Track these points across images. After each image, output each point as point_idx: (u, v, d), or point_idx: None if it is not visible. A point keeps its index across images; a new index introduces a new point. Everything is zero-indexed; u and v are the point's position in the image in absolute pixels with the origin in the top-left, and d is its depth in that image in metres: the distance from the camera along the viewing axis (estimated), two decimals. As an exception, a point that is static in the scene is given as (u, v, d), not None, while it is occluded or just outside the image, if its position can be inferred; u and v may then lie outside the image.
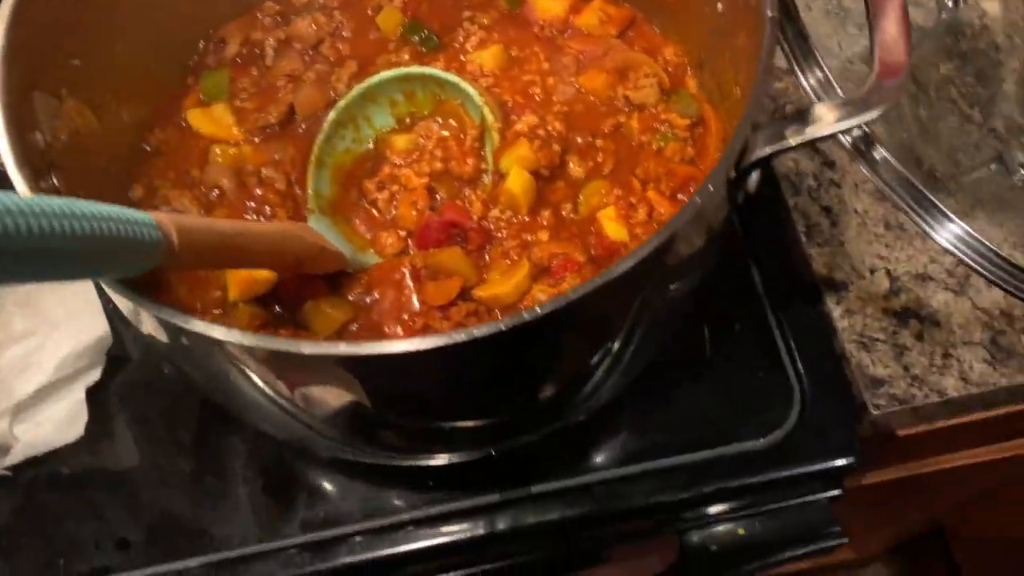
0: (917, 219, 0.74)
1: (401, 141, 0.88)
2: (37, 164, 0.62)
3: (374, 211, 0.86)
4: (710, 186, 0.56)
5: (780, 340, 0.90)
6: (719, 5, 0.75)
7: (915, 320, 0.89)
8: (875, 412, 0.85)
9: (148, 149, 0.84)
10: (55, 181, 0.65)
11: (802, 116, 0.59)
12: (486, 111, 0.85)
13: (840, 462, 0.84)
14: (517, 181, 0.81)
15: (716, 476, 0.85)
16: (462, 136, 0.88)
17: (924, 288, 0.90)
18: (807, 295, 0.92)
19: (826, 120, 0.58)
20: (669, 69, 0.88)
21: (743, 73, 0.74)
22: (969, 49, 1.02)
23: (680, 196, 0.81)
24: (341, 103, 0.86)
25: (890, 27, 0.62)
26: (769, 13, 0.60)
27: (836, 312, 0.90)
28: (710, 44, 0.81)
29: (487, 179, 0.85)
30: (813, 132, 0.58)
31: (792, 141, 0.59)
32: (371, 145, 0.89)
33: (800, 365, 0.89)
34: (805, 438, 0.85)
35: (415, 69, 0.86)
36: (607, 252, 0.79)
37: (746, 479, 0.85)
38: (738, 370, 0.89)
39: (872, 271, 0.92)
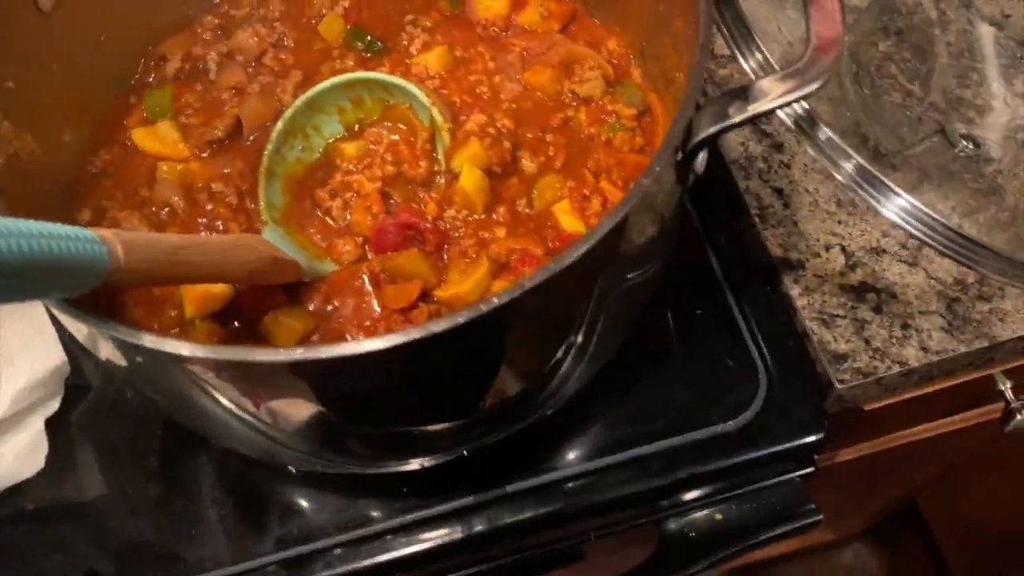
0: (865, 195, 0.75)
1: (351, 148, 0.88)
2: (-27, 189, 0.61)
3: (328, 219, 0.85)
4: (656, 167, 0.56)
5: (742, 323, 0.91)
6: (658, -8, 0.76)
7: (872, 294, 0.90)
8: (840, 387, 0.86)
9: (93, 171, 0.83)
10: (-5, 205, 0.64)
11: (743, 93, 0.60)
12: (434, 112, 0.84)
13: (809, 439, 0.85)
14: (470, 179, 0.81)
15: (688, 462, 0.85)
16: (412, 139, 0.87)
17: (879, 262, 0.92)
18: (765, 276, 0.93)
19: (767, 95, 0.59)
20: (613, 60, 0.89)
21: (684, 58, 0.75)
22: (905, 25, 1.04)
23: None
24: (287, 113, 0.85)
25: (824, 2, 0.63)
26: (704, -4, 0.60)
27: (795, 291, 0.91)
28: (651, 32, 0.82)
29: (441, 180, 0.85)
30: (755, 108, 0.59)
31: (736, 118, 0.59)
32: (318, 154, 0.89)
33: (763, 346, 0.89)
34: (773, 418, 0.86)
35: (360, 74, 0.86)
36: (565, 245, 0.79)
37: (718, 462, 0.85)
38: (702, 355, 0.90)
39: (827, 248, 0.93)
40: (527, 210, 0.82)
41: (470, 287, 0.78)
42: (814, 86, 0.58)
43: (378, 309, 0.79)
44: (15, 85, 0.70)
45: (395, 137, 0.88)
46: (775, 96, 0.59)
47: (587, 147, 0.85)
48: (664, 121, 0.83)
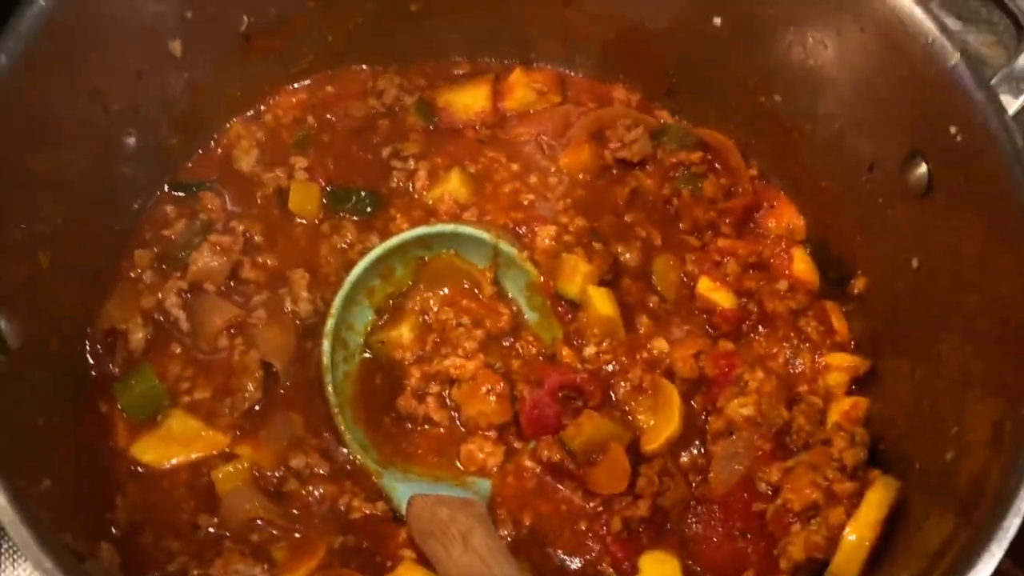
0: None
1: (406, 332, 0.68)
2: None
3: (428, 428, 0.65)
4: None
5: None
6: (716, 20, 0.66)
7: None
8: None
9: (119, 533, 0.55)
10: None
11: None
12: (503, 245, 0.68)
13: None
14: (603, 301, 0.66)
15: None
16: (475, 290, 0.69)
17: None
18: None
19: None
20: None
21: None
22: None
23: (752, 226, 0.72)
24: (329, 324, 0.64)
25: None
26: None
27: None
28: (690, 67, 0.72)
29: (531, 317, 0.68)
30: None
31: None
32: (366, 354, 0.67)
33: None
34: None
35: (399, 239, 0.66)
36: (731, 323, 0.68)
37: None
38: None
39: None
40: (663, 305, 0.69)
41: (677, 423, 0.63)
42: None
43: (589, 504, 0.62)
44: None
45: (444, 292, 0.69)
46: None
47: (670, 210, 0.73)
48: (734, 147, 0.74)
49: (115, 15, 0.55)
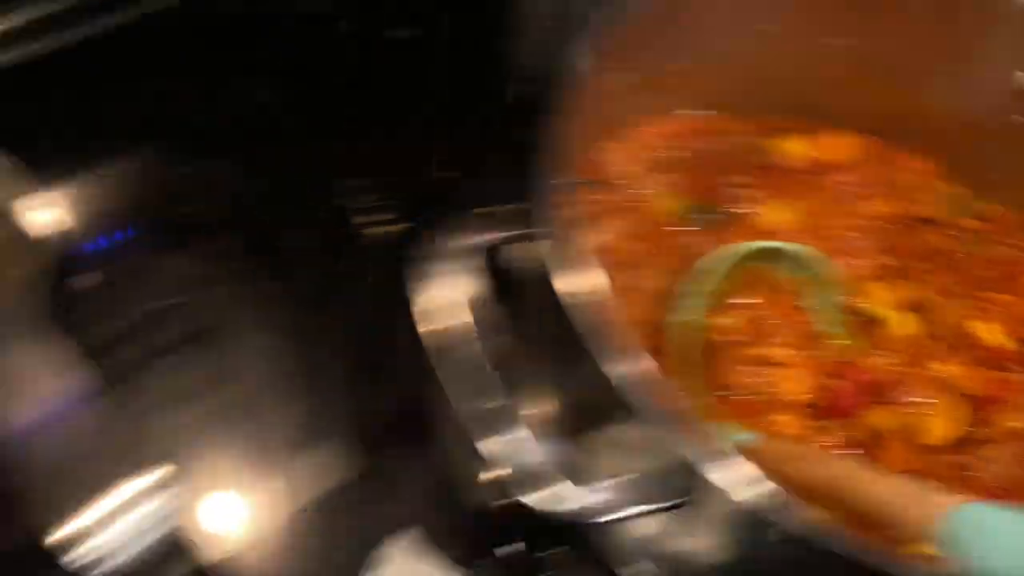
0: None
1: (729, 322, 0.85)
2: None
3: (740, 398, 0.82)
4: None
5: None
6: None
7: None
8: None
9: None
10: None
11: None
12: (817, 266, 0.85)
13: None
14: (900, 323, 0.83)
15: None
16: (787, 299, 0.87)
17: None
18: None
19: None
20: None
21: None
22: None
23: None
24: (677, 305, 0.82)
25: None
26: None
27: None
28: (986, 149, 0.89)
29: (833, 330, 0.85)
30: None
31: None
32: (699, 333, 0.85)
33: None
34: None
35: (735, 248, 0.84)
36: (998, 361, 0.83)
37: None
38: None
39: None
40: (945, 338, 0.84)
41: (954, 428, 0.79)
42: None
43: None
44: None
45: (761, 296, 0.86)
46: None
47: (953, 264, 0.89)
48: (1010, 220, 0.90)
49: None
